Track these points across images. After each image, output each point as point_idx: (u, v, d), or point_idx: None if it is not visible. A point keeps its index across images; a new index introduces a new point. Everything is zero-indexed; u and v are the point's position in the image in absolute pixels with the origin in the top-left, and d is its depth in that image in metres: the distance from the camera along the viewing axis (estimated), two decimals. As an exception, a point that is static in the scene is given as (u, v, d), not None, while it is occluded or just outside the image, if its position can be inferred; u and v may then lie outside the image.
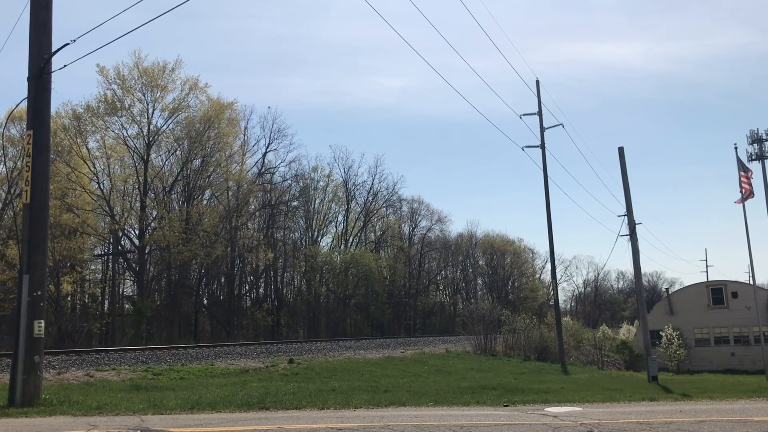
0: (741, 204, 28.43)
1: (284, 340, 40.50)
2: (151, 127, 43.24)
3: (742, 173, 28.02)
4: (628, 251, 26.44)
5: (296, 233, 65.06)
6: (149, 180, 43.95)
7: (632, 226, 26.03)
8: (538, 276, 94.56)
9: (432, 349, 34.92)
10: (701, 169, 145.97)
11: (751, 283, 39.32)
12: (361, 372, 21.42)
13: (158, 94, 42.90)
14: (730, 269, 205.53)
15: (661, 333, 45.49)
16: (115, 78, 41.67)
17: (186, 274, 47.90)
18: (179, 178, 46.26)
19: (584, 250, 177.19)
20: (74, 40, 11.78)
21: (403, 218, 76.99)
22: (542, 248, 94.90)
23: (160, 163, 46.29)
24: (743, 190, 27.99)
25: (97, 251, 46.80)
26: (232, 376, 19.20)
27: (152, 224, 44.01)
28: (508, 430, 7.73)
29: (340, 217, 69.18)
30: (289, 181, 61.10)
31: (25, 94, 12.04)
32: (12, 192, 39.68)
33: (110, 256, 46.42)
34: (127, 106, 42.33)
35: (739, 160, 28.38)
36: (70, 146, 41.07)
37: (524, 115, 35.47)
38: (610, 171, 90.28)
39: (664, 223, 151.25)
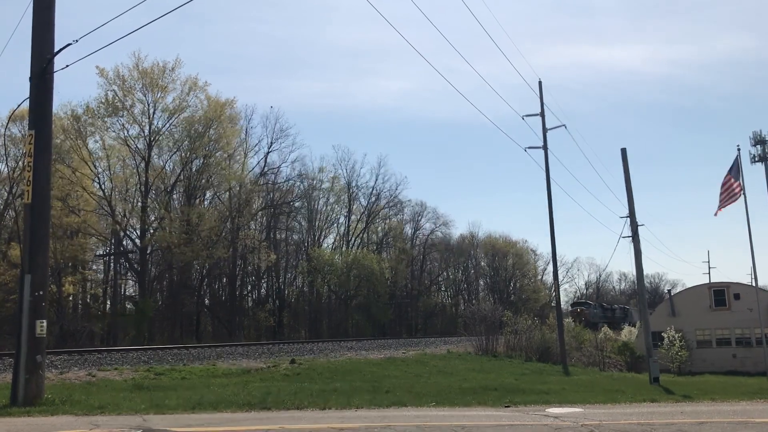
0: (721, 211, 27.11)
1: (286, 341, 40.48)
2: (152, 127, 43.31)
3: (732, 179, 26.81)
4: (631, 253, 26.30)
5: (299, 234, 65.07)
6: (150, 180, 43.98)
7: (634, 227, 25.92)
8: (540, 277, 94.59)
9: (433, 349, 34.87)
10: (703, 171, 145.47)
11: (754, 284, 39.30)
12: (363, 372, 21.42)
13: (158, 94, 42.98)
14: (733, 271, 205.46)
15: (663, 334, 45.33)
16: (114, 79, 41.77)
17: (188, 275, 47.93)
18: (180, 178, 46.25)
19: (586, 251, 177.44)
20: (77, 40, 11.81)
21: (405, 220, 77.01)
22: (544, 249, 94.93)
23: (162, 164, 46.36)
24: (725, 197, 26.72)
25: (99, 252, 46.89)
26: (234, 376, 19.21)
27: (153, 225, 44.03)
28: (510, 431, 7.73)
29: (342, 218, 69.18)
30: (292, 182, 61.19)
31: (27, 94, 12.04)
32: (14, 192, 39.74)
33: (112, 257, 46.49)
34: (127, 106, 42.37)
35: (735, 164, 27.17)
36: (70, 147, 41.09)
37: (527, 116, 35.06)
38: (613, 172, 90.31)
39: (666, 224, 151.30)
